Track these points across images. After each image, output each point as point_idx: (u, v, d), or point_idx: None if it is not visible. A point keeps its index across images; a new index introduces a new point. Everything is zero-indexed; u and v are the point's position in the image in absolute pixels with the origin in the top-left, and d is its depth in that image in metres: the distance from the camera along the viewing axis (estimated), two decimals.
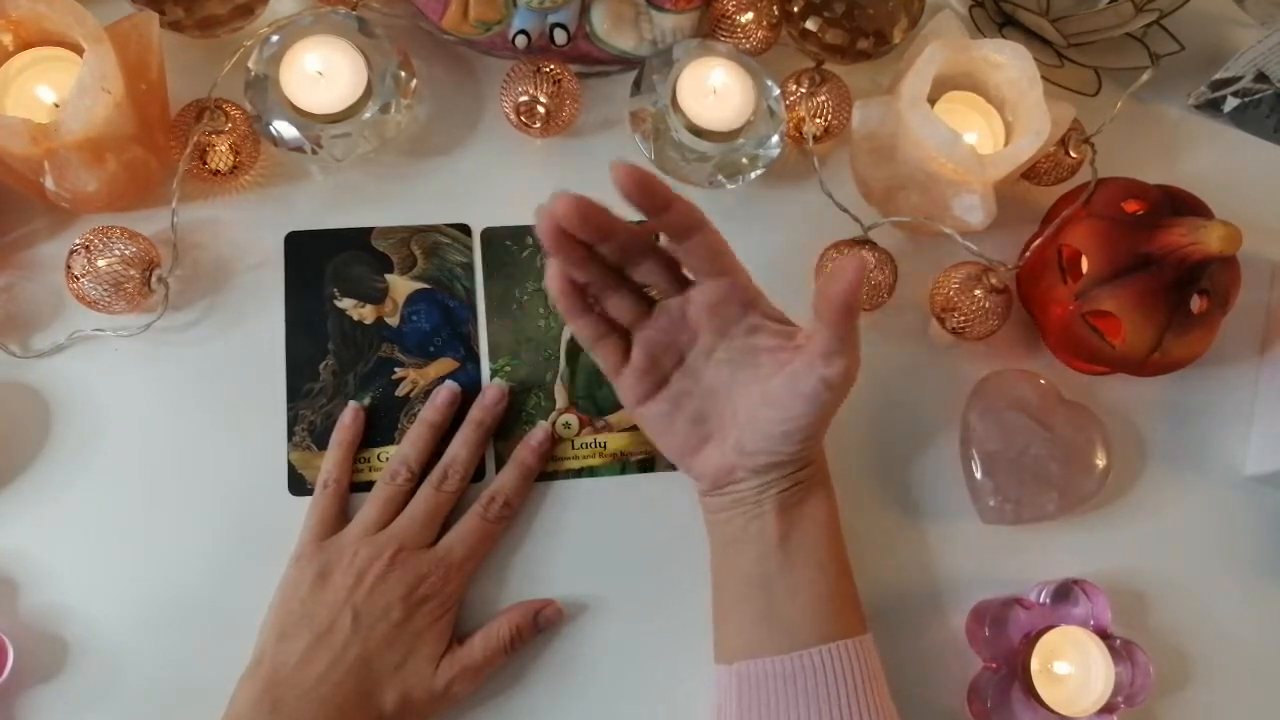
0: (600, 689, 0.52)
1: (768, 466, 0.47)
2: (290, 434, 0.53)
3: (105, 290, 0.51)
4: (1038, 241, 0.58)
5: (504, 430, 0.55)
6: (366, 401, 0.54)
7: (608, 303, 0.47)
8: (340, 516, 0.51)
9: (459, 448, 0.53)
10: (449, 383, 0.55)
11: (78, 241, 0.51)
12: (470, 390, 0.55)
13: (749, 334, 0.47)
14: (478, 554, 0.51)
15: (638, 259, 0.46)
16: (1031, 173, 0.61)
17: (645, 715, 0.52)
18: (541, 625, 0.51)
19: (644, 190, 0.42)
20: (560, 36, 0.57)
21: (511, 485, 0.52)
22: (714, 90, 0.56)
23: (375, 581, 0.48)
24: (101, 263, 0.51)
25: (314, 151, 0.55)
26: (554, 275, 0.46)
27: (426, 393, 0.55)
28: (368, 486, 0.53)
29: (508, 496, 0.52)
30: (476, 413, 0.54)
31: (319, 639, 0.46)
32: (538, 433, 0.54)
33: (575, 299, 0.46)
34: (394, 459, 0.52)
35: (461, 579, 0.50)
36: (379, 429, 0.54)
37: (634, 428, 0.55)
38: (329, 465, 0.52)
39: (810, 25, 0.62)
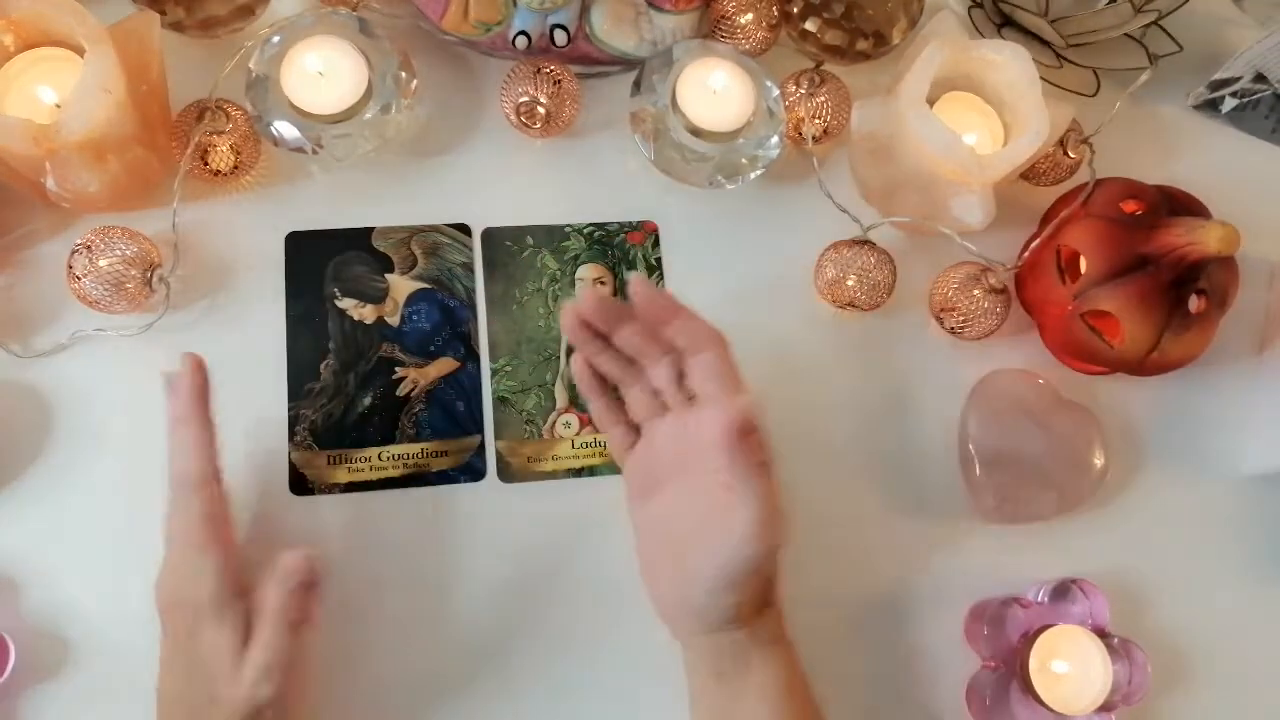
0: (600, 689, 0.52)
1: (699, 617, 0.43)
2: (291, 434, 0.53)
3: (106, 290, 0.51)
4: (1036, 242, 0.58)
5: (504, 430, 0.55)
6: (367, 401, 0.54)
7: (626, 396, 0.49)
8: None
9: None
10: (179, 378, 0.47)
11: (79, 241, 0.51)
12: (470, 388, 0.55)
13: (722, 469, 0.43)
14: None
15: (654, 360, 0.47)
16: (1030, 173, 0.62)
17: (646, 713, 0.52)
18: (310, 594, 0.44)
19: (646, 303, 0.46)
20: (560, 37, 0.57)
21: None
22: (714, 91, 0.57)
23: None
24: (103, 262, 0.51)
25: (315, 151, 0.55)
26: (579, 356, 0.49)
27: (427, 392, 0.55)
28: (367, 486, 0.53)
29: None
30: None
31: None
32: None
33: (596, 380, 0.49)
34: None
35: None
36: (379, 429, 0.54)
37: None
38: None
39: (810, 26, 0.62)
